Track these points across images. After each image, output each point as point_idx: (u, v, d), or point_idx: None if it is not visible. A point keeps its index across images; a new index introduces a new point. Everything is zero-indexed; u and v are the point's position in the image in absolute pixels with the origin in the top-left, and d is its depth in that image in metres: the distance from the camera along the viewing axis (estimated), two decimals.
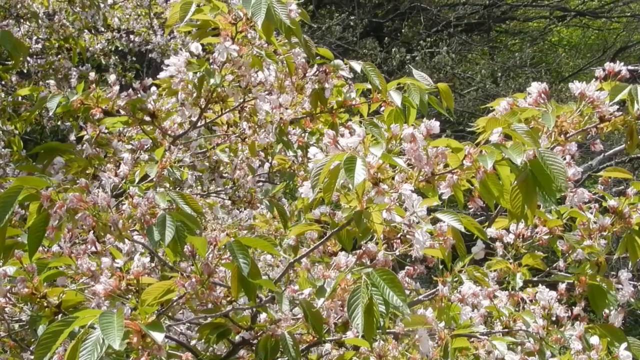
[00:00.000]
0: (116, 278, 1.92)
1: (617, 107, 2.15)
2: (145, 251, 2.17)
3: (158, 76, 2.66)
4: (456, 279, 2.35)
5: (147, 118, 2.78)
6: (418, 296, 2.60)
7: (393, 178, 1.91)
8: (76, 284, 2.05)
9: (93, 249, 2.08)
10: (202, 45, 2.64)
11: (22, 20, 4.81)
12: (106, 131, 2.83)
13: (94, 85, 2.73)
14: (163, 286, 1.93)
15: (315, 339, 2.25)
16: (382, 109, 2.83)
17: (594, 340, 2.19)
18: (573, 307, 2.34)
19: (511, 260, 2.47)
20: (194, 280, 1.93)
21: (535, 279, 2.56)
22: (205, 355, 2.38)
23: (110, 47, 5.49)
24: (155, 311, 1.86)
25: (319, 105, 2.86)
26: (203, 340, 2.32)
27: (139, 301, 1.89)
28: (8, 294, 2.10)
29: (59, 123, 4.86)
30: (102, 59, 5.43)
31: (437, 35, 11.33)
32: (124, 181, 2.47)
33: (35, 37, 4.92)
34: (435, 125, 1.91)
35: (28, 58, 4.77)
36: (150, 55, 5.61)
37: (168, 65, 2.59)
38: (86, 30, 5.19)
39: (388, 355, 2.07)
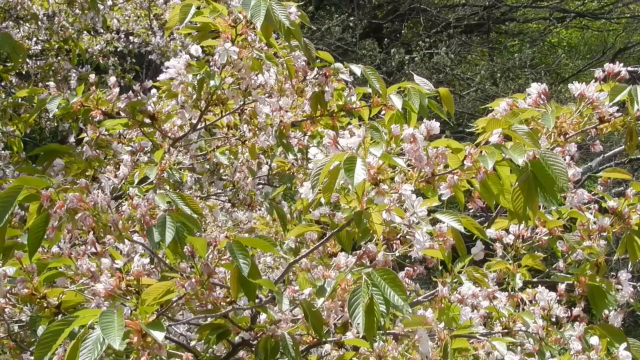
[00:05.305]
0: (116, 278, 1.92)
1: (617, 108, 2.15)
2: (145, 252, 2.17)
3: (158, 78, 2.66)
4: (456, 279, 2.35)
5: (147, 120, 2.78)
6: (418, 297, 2.60)
7: (393, 179, 1.91)
8: (76, 285, 2.05)
9: (93, 249, 2.08)
10: (202, 47, 2.64)
11: (21, 22, 4.81)
12: (106, 133, 2.84)
13: (94, 87, 2.73)
14: (163, 287, 1.93)
15: (315, 339, 2.25)
16: (383, 112, 2.83)
17: (594, 340, 2.19)
18: (573, 308, 2.34)
19: (511, 261, 2.47)
20: (193, 280, 1.93)
21: (534, 279, 2.56)
22: (204, 356, 2.38)
23: (109, 49, 5.49)
24: (155, 312, 1.86)
25: (319, 109, 2.85)
26: (203, 341, 2.32)
27: (138, 302, 1.88)
28: (8, 295, 2.10)
29: (57, 124, 4.87)
30: (101, 60, 5.43)
31: (436, 37, 11.33)
32: (123, 182, 2.46)
33: (34, 39, 4.92)
34: (435, 125, 1.92)
35: (27, 59, 4.77)
36: (149, 57, 5.61)
37: (168, 68, 2.59)
38: (85, 32, 5.19)
39: (388, 355, 2.07)
